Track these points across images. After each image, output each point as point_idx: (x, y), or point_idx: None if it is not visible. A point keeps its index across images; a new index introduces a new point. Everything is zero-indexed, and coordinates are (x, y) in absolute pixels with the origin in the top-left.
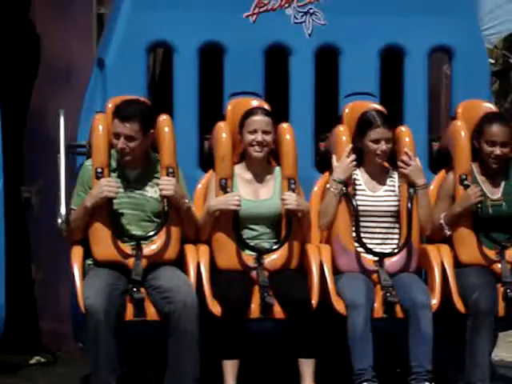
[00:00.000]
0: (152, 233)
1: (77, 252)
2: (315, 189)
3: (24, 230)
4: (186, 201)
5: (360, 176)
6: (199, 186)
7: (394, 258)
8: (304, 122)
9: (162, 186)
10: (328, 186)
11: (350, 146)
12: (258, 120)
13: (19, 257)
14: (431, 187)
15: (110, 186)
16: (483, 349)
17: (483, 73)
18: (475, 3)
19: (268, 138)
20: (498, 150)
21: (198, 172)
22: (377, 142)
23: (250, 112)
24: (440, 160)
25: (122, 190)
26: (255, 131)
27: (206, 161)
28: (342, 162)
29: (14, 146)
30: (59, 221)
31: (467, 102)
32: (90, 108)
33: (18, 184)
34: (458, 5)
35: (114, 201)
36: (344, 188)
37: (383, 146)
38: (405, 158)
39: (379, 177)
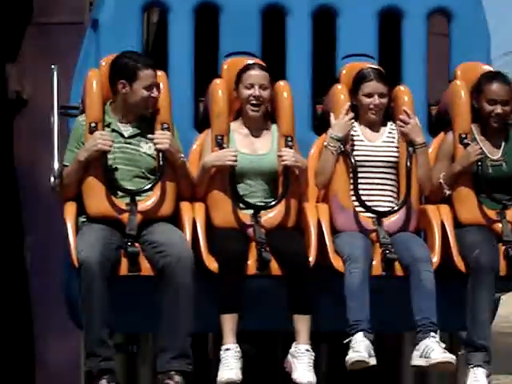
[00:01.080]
0: (147, 187)
1: (70, 208)
2: (312, 151)
3: None
4: (181, 156)
5: (357, 128)
6: (194, 146)
7: (393, 218)
8: (301, 83)
9: (158, 139)
10: (325, 143)
11: (348, 103)
12: (255, 74)
13: None
14: (430, 150)
15: (104, 138)
16: (484, 306)
17: (482, 36)
18: None
19: (265, 93)
20: (498, 109)
21: (194, 133)
22: (370, 95)
23: (247, 67)
24: (439, 124)
25: (116, 145)
26: (252, 86)
27: (201, 122)
28: (340, 120)
29: None
30: (52, 178)
31: (466, 64)
32: (83, 68)
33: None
34: None
35: (108, 156)
36: (342, 146)
37: (376, 100)
38: (403, 116)
39: (377, 129)
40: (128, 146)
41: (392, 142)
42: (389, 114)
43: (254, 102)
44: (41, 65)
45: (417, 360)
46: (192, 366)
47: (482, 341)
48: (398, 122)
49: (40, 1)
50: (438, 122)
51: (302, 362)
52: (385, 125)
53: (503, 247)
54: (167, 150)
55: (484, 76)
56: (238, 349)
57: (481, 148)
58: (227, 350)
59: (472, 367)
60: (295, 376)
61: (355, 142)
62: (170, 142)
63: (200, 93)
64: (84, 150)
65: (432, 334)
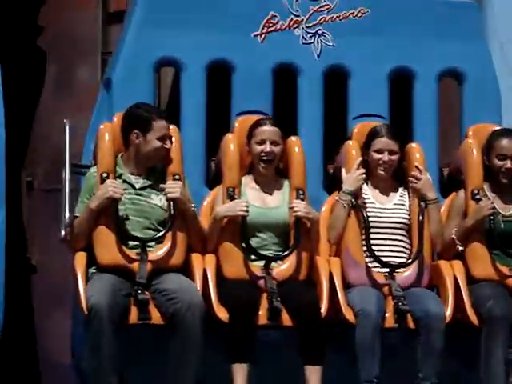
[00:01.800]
0: (159, 235)
1: (80, 258)
2: (323, 208)
3: None
4: (193, 205)
5: (368, 191)
6: (205, 203)
7: (406, 273)
8: (313, 142)
9: (169, 188)
10: (337, 198)
11: (360, 158)
12: (267, 130)
13: None
14: (442, 209)
15: (114, 186)
16: (498, 356)
17: (493, 97)
18: (483, 29)
19: (277, 149)
20: (508, 164)
21: (205, 190)
22: (380, 151)
23: (259, 122)
24: (450, 185)
25: (127, 196)
26: (264, 141)
27: (213, 181)
28: (352, 174)
29: None
30: (62, 227)
31: (478, 126)
32: (96, 127)
33: None
34: (468, 30)
35: (119, 207)
36: (353, 200)
37: (386, 156)
38: (415, 172)
39: (388, 191)
40: (139, 197)
41: (403, 205)
42: (399, 175)
43: (265, 158)
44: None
45: None
46: None
47: None
48: (409, 179)
49: None
50: (450, 182)
51: None
52: (396, 190)
53: None
54: (178, 198)
55: (494, 132)
56: None
57: (492, 203)
58: None
59: None
60: None
61: (366, 205)
62: (181, 191)
63: (212, 152)
64: (95, 199)
65: None
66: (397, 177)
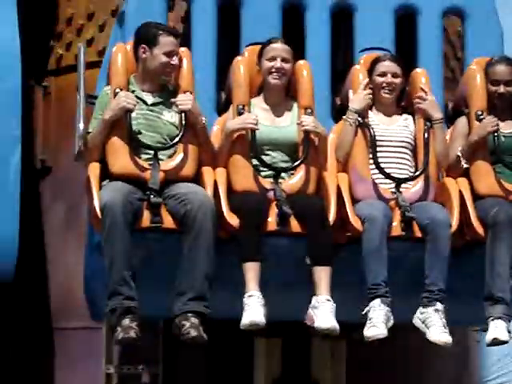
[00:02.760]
0: (170, 143)
1: (94, 168)
2: (331, 136)
3: None
4: (203, 118)
5: (373, 115)
6: (214, 128)
7: (412, 190)
8: (321, 73)
9: (180, 101)
10: (344, 117)
11: (367, 79)
12: (278, 47)
13: None
14: (447, 137)
15: (128, 97)
16: (504, 259)
17: (495, 33)
18: None
19: (287, 65)
20: (501, 88)
21: (215, 116)
22: (383, 74)
23: (270, 40)
24: (455, 117)
25: (139, 111)
26: (274, 58)
27: (223, 109)
28: (359, 94)
29: None
30: (76, 140)
31: (482, 58)
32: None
33: None
34: None
35: (132, 122)
36: (360, 119)
37: (389, 78)
38: (421, 93)
39: (392, 115)
40: (151, 113)
41: (407, 127)
42: (403, 98)
43: (275, 73)
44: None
45: (417, 321)
46: (209, 308)
47: (502, 293)
48: (415, 100)
49: None
50: (455, 115)
51: (323, 310)
52: (400, 114)
53: None
54: (189, 110)
55: (489, 60)
56: (261, 296)
57: (496, 121)
58: (250, 296)
59: (492, 319)
60: (317, 324)
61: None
62: (192, 104)
63: (221, 83)
64: (109, 110)
65: (437, 304)
66: (400, 103)
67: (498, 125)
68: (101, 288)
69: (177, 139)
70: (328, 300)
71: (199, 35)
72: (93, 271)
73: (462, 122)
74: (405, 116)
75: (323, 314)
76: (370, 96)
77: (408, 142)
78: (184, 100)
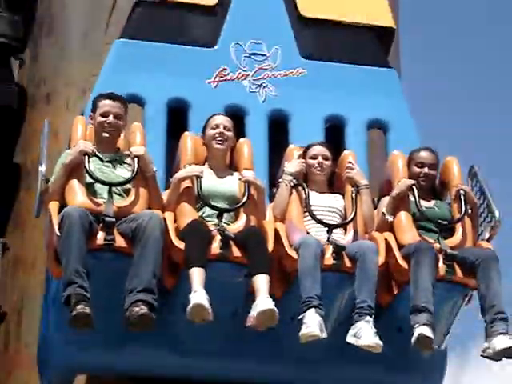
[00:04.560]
0: (123, 179)
1: (54, 205)
2: (269, 204)
3: None
4: (153, 167)
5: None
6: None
7: (343, 241)
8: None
9: (134, 149)
10: (280, 180)
11: (300, 152)
12: (220, 117)
13: None
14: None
15: (86, 144)
16: (426, 276)
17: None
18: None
19: (229, 133)
20: (426, 169)
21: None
22: (314, 157)
23: (214, 114)
24: None
25: (96, 166)
26: (217, 126)
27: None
28: (293, 161)
29: None
30: (39, 180)
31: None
32: None
33: None
34: (388, 87)
35: (87, 175)
36: (294, 180)
37: (320, 159)
38: (349, 164)
39: (324, 192)
40: (106, 168)
41: (337, 200)
42: (334, 180)
43: (219, 138)
44: None
45: (350, 338)
46: (157, 302)
47: (425, 304)
48: (345, 171)
49: None
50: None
51: (261, 299)
52: (331, 193)
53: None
54: (142, 155)
55: (413, 149)
56: (205, 292)
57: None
58: (195, 291)
59: (418, 326)
60: (256, 308)
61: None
62: (145, 152)
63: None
64: (69, 155)
65: (367, 317)
66: (331, 184)
67: (414, 184)
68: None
69: (128, 179)
70: (267, 297)
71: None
72: (50, 325)
73: (385, 199)
74: (335, 194)
75: (261, 301)
76: (304, 164)
77: (338, 210)
78: (138, 148)
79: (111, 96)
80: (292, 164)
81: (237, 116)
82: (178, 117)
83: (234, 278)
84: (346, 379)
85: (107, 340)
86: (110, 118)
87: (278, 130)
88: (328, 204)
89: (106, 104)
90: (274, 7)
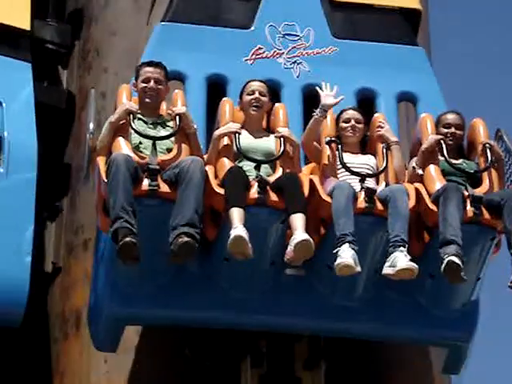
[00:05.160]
0: (167, 133)
1: (102, 159)
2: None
3: None
4: (194, 125)
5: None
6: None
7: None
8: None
9: (176, 108)
10: (314, 114)
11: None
12: (255, 83)
13: None
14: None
15: (130, 103)
16: (454, 212)
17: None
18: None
19: (264, 98)
20: (453, 129)
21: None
22: (347, 121)
23: (249, 81)
24: None
25: (140, 127)
26: (253, 92)
27: None
28: (329, 92)
29: None
30: (88, 136)
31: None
32: None
33: None
34: (416, 62)
35: (133, 136)
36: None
37: (353, 122)
38: (380, 123)
39: (357, 153)
40: (149, 130)
41: (369, 159)
42: (367, 142)
43: (254, 103)
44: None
45: (385, 269)
46: (199, 236)
47: (454, 237)
48: (376, 129)
49: None
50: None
51: (298, 234)
52: (363, 154)
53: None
54: (183, 113)
55: (441, 112)
56: (245, 229)
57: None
58: (236, 227)
59: (447, 256)
60: (292, 241)
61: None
62: (186, 111)
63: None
64: (115, 114)
65: (401, 248)
66: (363, 146)
67: (442, 139)
68: (104, 315)
69: (172, 132)
70: (303, 232)
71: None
72: (98, 280)
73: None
74: (368, 155)
75: (298, 234)
76: (342, 97)
77: (371, 166)
78: (180, 108)
79: (151, 63)
80: (328, 96)
81: (273, 90)
82: (217, 92)
83: (272, 222)
84: (379, 328)
85: (153, 290)
86: (151, 83)
87: (313, 104)
88: (361, 162)
89: (147, 71)
90: None
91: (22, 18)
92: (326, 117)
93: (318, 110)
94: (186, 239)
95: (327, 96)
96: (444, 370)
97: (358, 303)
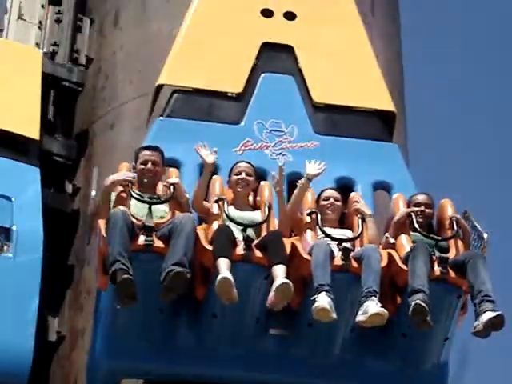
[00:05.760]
0: (161, 200)
1: (102, 222)
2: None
3: None
4: (186, 195)
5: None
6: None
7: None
8: None
9: (170, 179)
10: (298, 183)
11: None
12: (243, 165)
13: None
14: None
15: (127, 173)
16: (421, 268)
17: None
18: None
19: (250, 178)
20: (422, 207)
21: None
22: (327, 199)
23: (237, 162)
24: None
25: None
26: (240, 173)
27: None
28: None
29: None
30: (91, 201)
31: None
32: None
33: None
34: (390, 156)
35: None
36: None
37: (332, 200)
38: (356, 198)
39: (337, 228)
40: (144, 204)
41: (347, 232)
42: (344, 219)
43: (241, 182)
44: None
45: (358, 317)
46: (189, 275)
47: (421, 286)
48: (353, 205)
49: None
50: None
51: (278, 279)
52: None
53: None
54: (177, 183)
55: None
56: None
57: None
58: (223, 272)
59: (414, 301)
60: (273, 287)
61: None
62: (179, 182)
63: None
64: (109, 178)
65: (372, 297)
66: (341, 223)
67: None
68: (100, 367)
69: (167, 197)
70: (284, 277)
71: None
72: (97, 336)
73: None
74: (345, 229)
75: (278, 279)
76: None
77: (347, 236)
78: (174, 179)
79: (149, 147)
80: (312, 167)
81: (260, 176)
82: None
83: (256, 277)
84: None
85: (146, 345)
86: (149, 165)
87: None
88: (339, 233)
89: (145, 154)
90: (290, 94)
91: (32, 129)
92: (309, 185)
93: (303, 179)
94: (178, 269)
95: (312, 167)
96: None
97: (335, 363)
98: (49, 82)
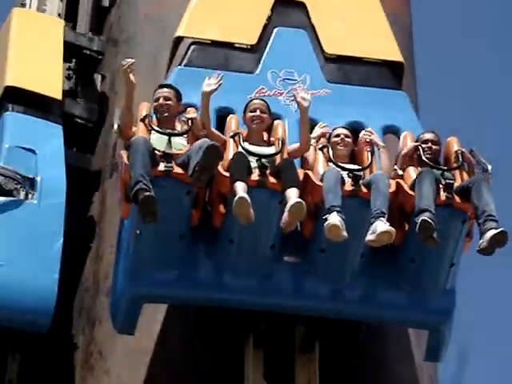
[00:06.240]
0: (182, 131)
1: (124, 152)
2: None
3: None
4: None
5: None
6: None
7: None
8: None
9: (189, 114)
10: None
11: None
12: (257, 101)
13: None
14: None
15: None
16: (428, 190)
17: None
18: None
19: (264, 115)
20: (429, 143)
21: None
22: (338, 135)
23: (251, 99)
24: None
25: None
26: (254, 110)
27: None
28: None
29: None
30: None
31: None
32: None
33: None
34: (398, 102)
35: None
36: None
37: (342, 136)
38: (368, 132)
39: (347, 163)
40: (164, 137)
41: (357, 166)
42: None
43: (256, 120)
44: None
45: (368, 237)
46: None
47: (427, 206)
48: (366, 136)
49: None
50: None
51: (291, 200)
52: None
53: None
54: (195, 118)
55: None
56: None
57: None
58: (239, 193)
59: (421, 217)
60: (286, 207)
61: None
62: (197, 117)
63: None
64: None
65: (381, 218)
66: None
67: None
68: (123, 293)
69: (185, 129)
70: (296, 197)
71: None
72: (119, 263)
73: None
74: (356, 165)
75: (292, 199)
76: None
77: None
78: (192, 114)
79: (162, 85)
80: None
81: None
82: (224, 122)
83: (271, 202)
84: (366, 310)
85: (166, 270)
86: (161, 100)
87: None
88: (349, 166)
89: (157, 92)
90: (303, 46)
91: (54, 90)
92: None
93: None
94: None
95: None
96: (426, 358)
97: (347, 287)
98: (71, 50)
